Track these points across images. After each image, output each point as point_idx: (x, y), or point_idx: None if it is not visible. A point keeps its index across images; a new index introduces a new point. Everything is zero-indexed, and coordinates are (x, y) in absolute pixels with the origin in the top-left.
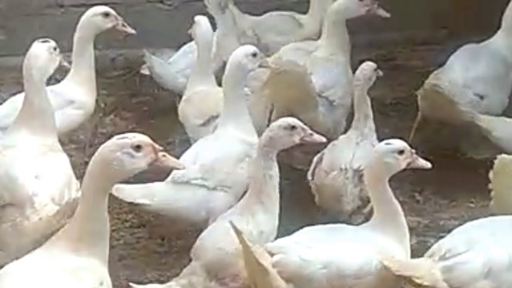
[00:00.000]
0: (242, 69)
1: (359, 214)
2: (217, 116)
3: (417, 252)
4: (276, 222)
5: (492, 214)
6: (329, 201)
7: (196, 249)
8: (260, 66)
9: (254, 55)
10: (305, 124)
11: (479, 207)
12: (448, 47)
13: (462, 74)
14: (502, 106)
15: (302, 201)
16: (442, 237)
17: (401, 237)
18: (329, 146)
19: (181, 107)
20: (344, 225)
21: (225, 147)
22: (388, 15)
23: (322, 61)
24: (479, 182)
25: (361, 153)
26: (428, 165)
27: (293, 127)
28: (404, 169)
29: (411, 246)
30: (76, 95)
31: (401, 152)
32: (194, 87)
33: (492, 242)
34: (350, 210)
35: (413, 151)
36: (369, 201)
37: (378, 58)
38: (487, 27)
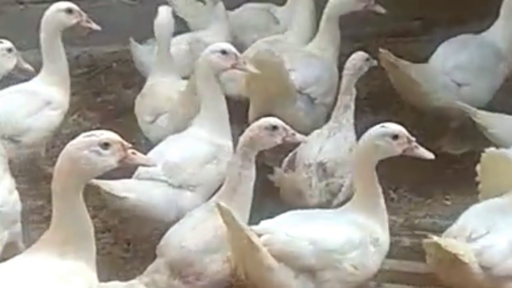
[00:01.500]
0: (212, 68)
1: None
2: (165, 113)
3: (391, 252)
4: (246, 222)
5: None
6: (291, 197)
7: (161, 247)
8: (233, 67)
9: (224, 52)
10: (283, 120)
11: (455, 204)
12: (422, 39)
13: (443, 60)
14: (487, 95)
15: (272, 198)
16: (417, 235)
17: (382, 220)
18: (302, 144)
19: (136, 102)
20: (322, 210)
21: (191, 148)
22: (384, 11)
23: (306, 56)
24: (455, 178)
25: (329, 146)
26: (431, 155)
27: (275, 127)
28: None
29: None
30: (52, 95)
31: (395, 136)
32: (153, 81)
33: (506, 222)
34: (316, 204)
35: (413, 138)
36: (337, 194)
37: (353, 52)
38: (461, 18)
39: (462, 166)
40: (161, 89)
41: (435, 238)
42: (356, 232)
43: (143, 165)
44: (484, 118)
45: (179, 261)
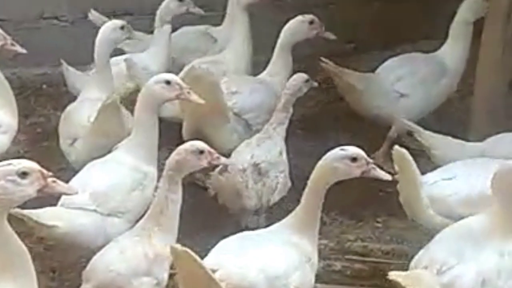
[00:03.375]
0: (156, 98)
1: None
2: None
3: (322, 276)
4: None
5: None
6: (228, 199)
7: (87, 272)
8: (178, 97)
9: (168, 82)
10: (216, 140)
11: (386, 226)
12: (354, 61)
13: (388, 71)
14: (426, 108)
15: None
16: (348, 260)
17: (313, 240)
18: (232, 154)
19: (60, 122)
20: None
21: (118, 175)
22: (334, 37)
23: (252, 81)
24: (386, 200)
25: (260, 151)
26: (387, 176)
27: (201, 152)
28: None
29: (317, 269)
30: (1, 118)
31: (354, 159)
32: (80, 98)
33: (476, 251)
34: (254, 206)
35: (371, 161)
36: (271, 195)
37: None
38: (392, 42)
39: (393, 188)
40: (78, 113)
41: (399, 277)
42: (294, 253)
43: (64, 193)
44: (428, 138)
45: (107, 284)
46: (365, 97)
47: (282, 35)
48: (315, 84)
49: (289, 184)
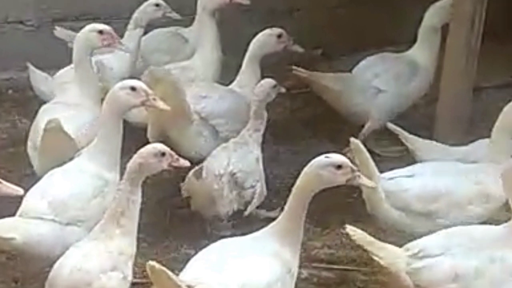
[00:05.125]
0: (121, 105)
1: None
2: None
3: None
4: (135, 247)
5: None
6: (202, 205)
7: (52, 279)
8: (143, 104)
9: (133, 89)
10: (181, 143)
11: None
12: (322, 67)
13: (364, 69)
14: (402, 104)
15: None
16: (315, 267)
17: (295, 249)
18: (208, 158)
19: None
20: (234, 239)
21: (78, 183)
22: (302, 50)
23: (221, 89)
24: (352, 207)
25: (237, 157)
26: (373, 183)
27: (163, 154)
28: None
29: None
30: None
31: (339, 166)
32: (53, 102)
33: (467, 250)
34: (226, 214)
35: (356, 168)
36: (247, 204)
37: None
38: (359, 47)
39: (359, 194)
40: (45, 117)
41: (349, 229)
42: (276, 264)
43: (10, 194)
44: (414, 142)
45: (77, 282)
46: (344, 97)
47: (250, 47)
48: (283, 89)
49: (265, 192)
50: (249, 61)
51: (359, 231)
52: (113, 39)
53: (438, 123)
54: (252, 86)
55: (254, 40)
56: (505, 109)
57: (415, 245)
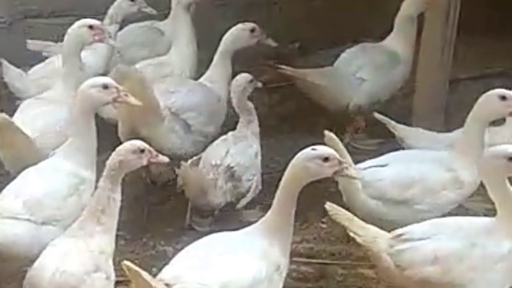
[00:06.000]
0: (93, 102)
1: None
2: None
3: None
4: (114, 245)
5: None
6: (195, 193)
7: (33, 279)
8: (115, 100)
9: (105, 87)
10: (152, 139)
11: (331, 227)
12: (298, 61)
13: (347, 62)
14: (387, 92)
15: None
16: (294, 262)
17: (285, 245)
18: (207, 149)
19: None
20: (224, 234)
21: (54, 181)
22: (275, 44)
23: (190, 83)
24: (330, 200)
25: (236, 150)
26: (361, 175)
27: (142, 150)
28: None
29: None
30: None
31: (325, 159)
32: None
33: (449, 236)
34: (218, 205)
35: (343, 160)
36: (242, 197)
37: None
38: (336, 41)
39: (337, 188)
40: (17, 114)
41: (328, 205)
42: (262, 263)
43: None
44: (401, 130)
45: (62, 286)
46: (329, 92)
47: (222, 43)
48: (260, 84)
49: (260, 187)
50: (221, 56)
51: (339, 208)
52: (104, 34)
53: (415, 115)
54: (222, 82)
55: (227, 35)
56: (480, 99)
57: (399, 230)
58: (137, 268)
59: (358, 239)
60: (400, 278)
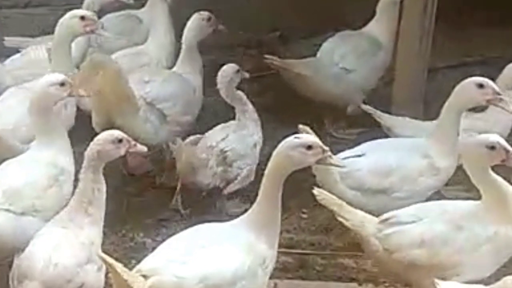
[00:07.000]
0: (50, 100)
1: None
2: None
3: None
4: (102, 235)
5: None
6: (185, 171)
7: (24, 269)
8: (69, 95)
9: (62, 84)
10: (126, 130)
11: (311, 217)
12: (279, 50)
13: (330, 52)
14: (372, 80)
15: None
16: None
17: (273, 237)
18: (210, 131)
19: None
20: (209, 226)
21: (33, 172)
22: (223, 27)
23: (165, 73)
24: (310, 190)
25: (234, 137)
26: (343, 164)
27: (120, 140)
28: None
29: None
30: None
31: (309, 147)
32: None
33: (435, 219)
34: (207, 186)
35: (327, 148)
36: (230, 183)
37: (208, 64)
38: (316, 30)
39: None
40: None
41: (316, 190)
42: (247, 257)
43: None
44: (387, 120)
45: (56, 279)
46: (315, 82)
47: (185, 37)
48: (246, 75)
49: (252, 177)
50: (187, 50)
51: (326, 192)
52: (95, 25)
53: (394, 104)
54: (193, 72)
55: (187, 29)
56: (457, 87)
57: (387, 214)
58: (111, 260)
59: (347, 223)
60: (388, 261)
